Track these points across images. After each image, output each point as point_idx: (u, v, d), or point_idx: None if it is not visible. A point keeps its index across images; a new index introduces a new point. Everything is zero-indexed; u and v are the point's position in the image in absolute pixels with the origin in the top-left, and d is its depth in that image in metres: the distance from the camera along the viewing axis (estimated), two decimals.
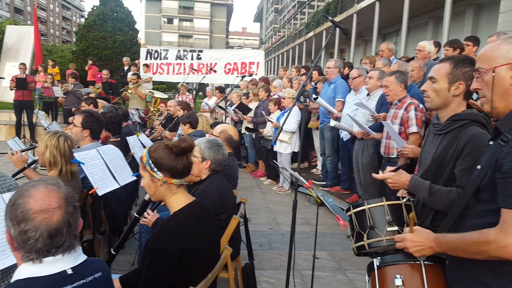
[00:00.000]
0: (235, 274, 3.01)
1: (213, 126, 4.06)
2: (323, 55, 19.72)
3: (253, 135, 7.63)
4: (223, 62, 11.58)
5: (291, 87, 7.68)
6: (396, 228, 1.76)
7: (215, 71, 11.01)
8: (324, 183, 6.11)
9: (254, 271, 3.22)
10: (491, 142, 1.42)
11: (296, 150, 6.70)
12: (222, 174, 3.03)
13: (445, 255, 1.51)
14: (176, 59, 11.76)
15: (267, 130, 6.78)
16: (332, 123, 5.03)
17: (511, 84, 1.35)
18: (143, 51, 12.01)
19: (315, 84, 7.09)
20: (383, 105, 4.27)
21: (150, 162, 1.85)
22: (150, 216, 2.58)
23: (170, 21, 64.71)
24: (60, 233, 1.22)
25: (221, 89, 9.35)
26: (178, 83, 10.66)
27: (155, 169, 1.83)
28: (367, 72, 4.98)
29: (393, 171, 1.88)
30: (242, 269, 3.16)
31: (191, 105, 9.04)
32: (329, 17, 2.76)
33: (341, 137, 5.46)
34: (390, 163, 3.88)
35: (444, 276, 1.51)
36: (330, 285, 3.60)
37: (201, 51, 11.96)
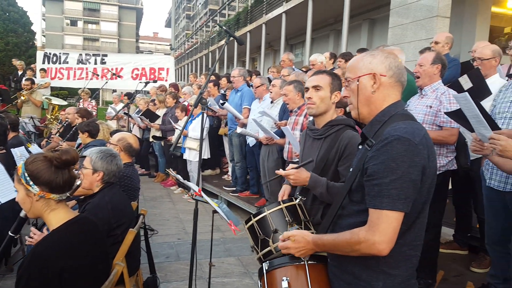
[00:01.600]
0: None
1: (112, 134, 3.84)
2: (235, 63, 20.02)
3: (162, 143, 7.43)
4: (130, 67, 11.13)
5: None
6: (296, 227, 1.83)
7: (121, 77, 10.54)
8: (234, 189, 6.16)
9: (156, 284, 3.11)
10: (360, 147, 1.54)
11: (206, 157, 6.68)
12: (119, 185, 2.88)
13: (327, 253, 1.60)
14: (77, 64, 11.01)
15: (176, 137, 6.65)
16: (239, 130, 5.10)
17: (371, 92, 1.48)
18: (39, 55, 11.06)
19: (225, 91, 7.17)
20: (285, 112, 4.44)
21: (26, 175, 1.68)
22: (36, 236, 2.34)
23: (73, 23, 60.38)
24: None
25: (129, 95, 8.97)
26: (79, 88, 10.00)
27: (31, 183, 1.67)
28: (270, 81, 5.15)
29: (295, 168, 1.98)
30: (143, 283, 3.03)
31: (94, 113, 8.55)
32: (224, 27, 2.78)
33: (247, 142, 5.57)
34: None
35: (327, 273, 1.59)
36: None
37: (106, 55, 11.36)
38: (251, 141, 5.38)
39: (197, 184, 2.65)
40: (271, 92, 4.76)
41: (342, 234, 1.42)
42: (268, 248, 1.83)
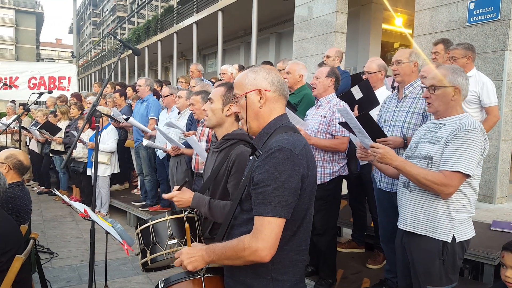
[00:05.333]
0: None
1: None
2: (146, 72, 19.44)
3: (63, 157, 6.90)
4: (26, 76, 10.19)
5: (106, 104, 7.28)
6: (176, 240, 1.82)
7: (16, 86, 9.61)
8: (144, 203, 5.94)
9: None
10: (251, 157, 1.59)
11: (116, 171, 6.34)
12: (6, 208, 2.62)
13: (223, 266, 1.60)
14: None
15: (78, 152, 6.22)
16: (145, 142, 4.95)
17: (259, 107, 1.53)
18: None
19: (131, 101, 6.91)
20: (193, 123, 4.42)
21: None
22: None
23: None
24: None
25: (25, 106, 8.21)
26: None
27: None
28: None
29: (178, 189, 1.92)
30: None
31: None
32: (117, 37, 2.70)
33: (157, 155, 5.42)
34: (200, 178, 4.03)
35: (223, 286, 1.60)
36: None
37: None
38: (160, 154, 5.25)
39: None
40: (177, 103, 4.70)
41: (231, 241, 1.44)
42: (145, 259, 1.85)
